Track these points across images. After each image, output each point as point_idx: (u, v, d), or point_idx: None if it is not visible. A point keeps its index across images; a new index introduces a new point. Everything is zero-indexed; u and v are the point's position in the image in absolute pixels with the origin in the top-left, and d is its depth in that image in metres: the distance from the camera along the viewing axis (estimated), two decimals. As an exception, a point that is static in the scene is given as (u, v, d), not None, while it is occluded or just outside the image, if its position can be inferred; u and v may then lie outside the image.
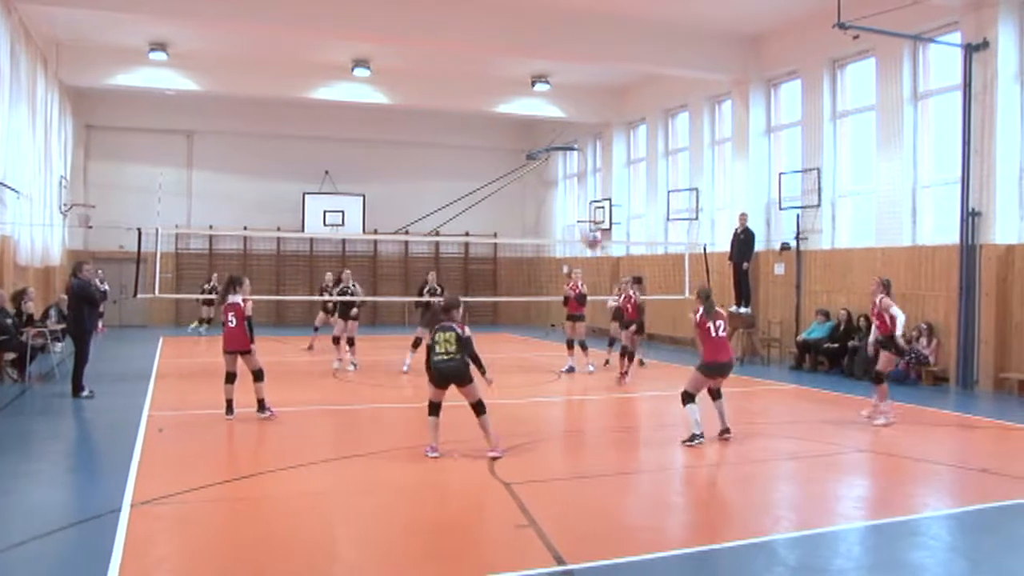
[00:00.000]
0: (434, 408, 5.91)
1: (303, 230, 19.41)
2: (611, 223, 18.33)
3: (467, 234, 20.71)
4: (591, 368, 10.69)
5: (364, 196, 20.35)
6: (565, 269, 13.61)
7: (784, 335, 13.10)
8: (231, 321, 7.46)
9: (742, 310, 13.31)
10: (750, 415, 7.94)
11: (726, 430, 6.50)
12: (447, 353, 5.78)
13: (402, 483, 5.30)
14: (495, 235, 21.34)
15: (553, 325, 19.98)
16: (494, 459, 5.84)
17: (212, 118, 19.47)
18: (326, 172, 20.70)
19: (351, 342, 11.00)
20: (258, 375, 7.55)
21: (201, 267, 19.50)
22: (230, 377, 7.51)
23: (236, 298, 7.48)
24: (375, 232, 20.22)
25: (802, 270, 12.93)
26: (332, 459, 5.95)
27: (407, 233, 19.35)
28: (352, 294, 11.31)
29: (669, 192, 16.69)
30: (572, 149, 20.37)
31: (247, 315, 7.50)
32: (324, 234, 19.00)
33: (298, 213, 19.98)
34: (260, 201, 20.12)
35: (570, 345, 11.19)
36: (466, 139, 21.47)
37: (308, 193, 20.08)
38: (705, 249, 14.10)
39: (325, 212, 19.86)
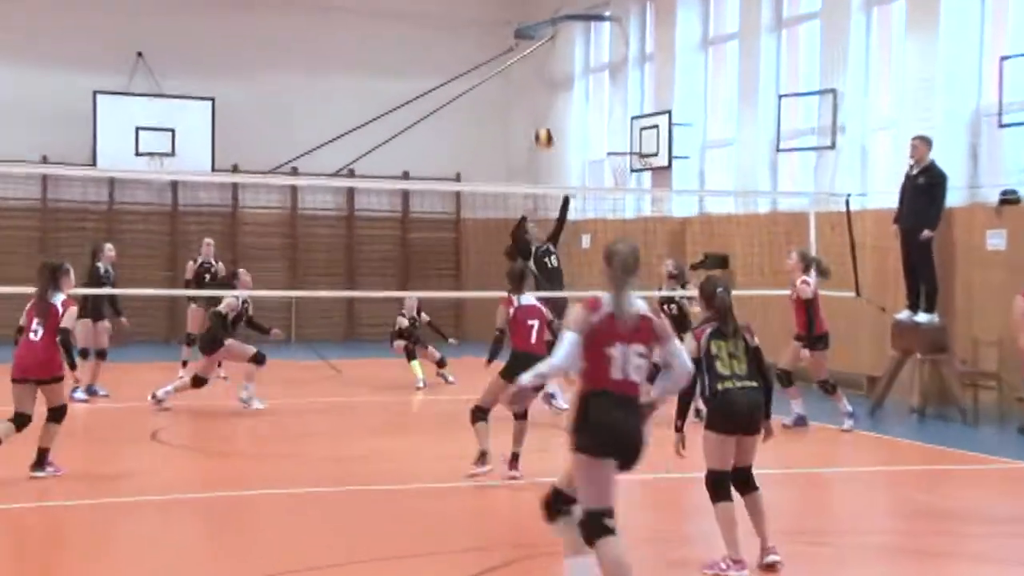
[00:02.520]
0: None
1: (94, 162, 19.63)
2: (670, 156, 18.67)
3: (406, 176, 21.45)
4: None
5: (213, 102, 20.66)
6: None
7: (1006, 365, 12.89)
8: (34, 332, 8.52)
9: (921, 318, 13.38)
10: (940, 518, 8.39)
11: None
12: None
13: None
14: (457, 177, 21.88)
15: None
16: None
17: None
18: (139, 55, 20.86)
19: (259, 359, 12.42)
20: (58, 414, 8.65)
21: None
22: (20, 420, 8.53)
23: (57, 298, 8.60)
24: (234, 170, 20.56)
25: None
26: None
27: (296, 173, 20.21)
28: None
29: (780, 99, 16.88)
30: (601, 18, 20.84)
31: (64, 326, 8.60)
32: (137, 171, 19.42)
33: (85, 130, 20.08)
34: (12, 106, 20.28)
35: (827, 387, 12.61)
36: (407, 3, 21.89)
37: (104, 93, 20.28)
38: (848, 204, 14.28)
39: (138, 130, 20.10)
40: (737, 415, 6.49)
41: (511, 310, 9.00)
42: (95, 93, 20.00)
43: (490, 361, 9.14)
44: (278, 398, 13.23)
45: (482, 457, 8.80)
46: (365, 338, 21.27)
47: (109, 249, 13.37)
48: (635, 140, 19.30)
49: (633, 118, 19.58)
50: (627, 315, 5.25)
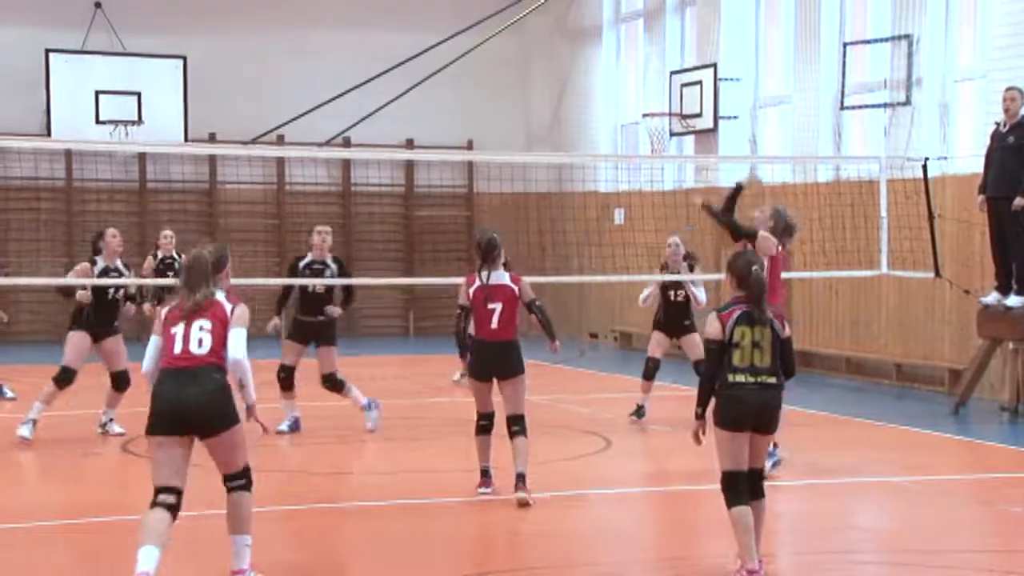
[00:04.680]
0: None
1: (48, 132, 19.82)
2: (716, 117, 18.78)
3: (409, 145, 21.65)
4: None
5: (185, 61, 20.86)
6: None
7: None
8: None
9: (1012, 301, 13.24)
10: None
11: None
12: None
13: None
14: (469, 146, 21.99)
15: (594, 336, 21.03)
16: None
17: None
18: (97, 6, 21.11)
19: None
20: None
21: None
22: None
23: None
24: (210, 139, 20.67)
25: None
26: None
27: (282, 143, 20.22)
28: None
29: (845, 47, 16.87)
30: (633, -42, 21.30)
31: None
32: (97, 141, 19.37)
33: (36, 95, 20.25)
34: None
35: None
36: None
37: (57, 51, 20.42)
38: (926, 169, 14.16)
39: (98, 94, 20.25)
40: (741, 412, 6.62)
41: (471, 290, 8.79)
42: (47, 52, 20.12)
43: (464, 355, 9.02)
44: (261, 402, 13.06)
45: (484, 476, 8.90)
46: (365, 334, 21.28)
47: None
48: (674, 99, 19.35)
49: (672, 73, 19.65)
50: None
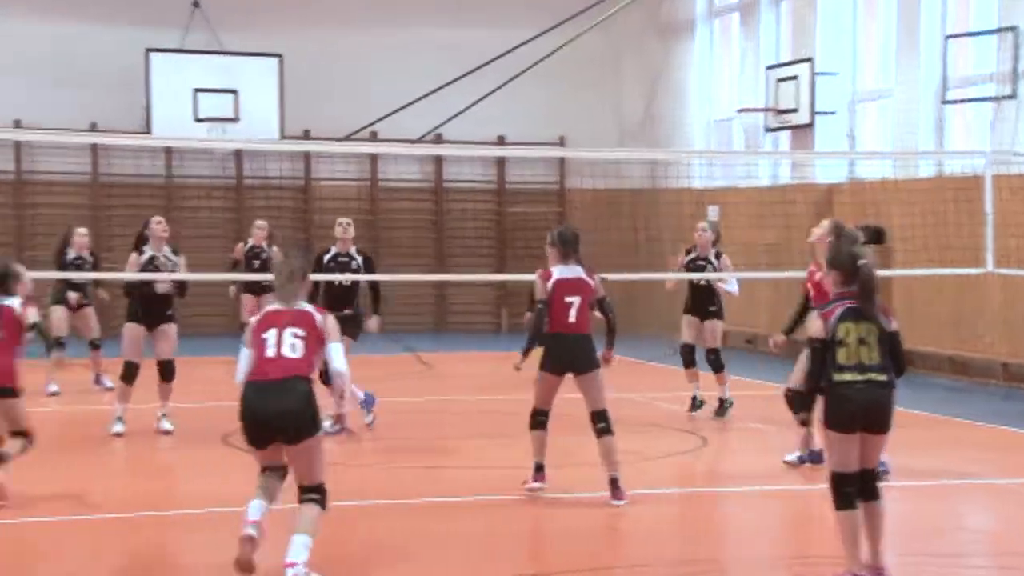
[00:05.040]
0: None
1: (148, 130, 19.98)
2: (813, 112, 18.58)
3: (501, 141, 21.60)
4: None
5: (280, 59, 21.03)
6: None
7: None
8: None
9: None
10: None
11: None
12: None
13: None
14: (561, 142, 22.01)
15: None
16: None
17: None
18: (195, 5, 21.25)
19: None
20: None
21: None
22: None
23: (10, 301, 8.67)
24: (305, 136, 20.90)
25: None
26: None
27: (375, 139, 20.32)
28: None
29: (947, 40, 16.60)
30: (728, -49, 21.15)
31: (30, 322, 8.67)
32: (196, 139, 19.69)
33: (137, 94, 20.44)
34: (53, 67, 20.59)
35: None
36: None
37: (158, 51, 20.56)
38: None
39: (196, 92, 20.43)
40: (850, 412, 6.50)
41: (549, 283, 8.71)
42: (148, 51, 20.38)
43: (528, 352, 8.72)
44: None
45: (538, 471, 8.83)
46: (458, 329, 21.35)
47: (81, 235, 14.15)
48: (770, 94, 19.22)
49: (767, 68, 19.50)
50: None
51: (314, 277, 11.88)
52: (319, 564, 6.44)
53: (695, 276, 12.74)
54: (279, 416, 6.45)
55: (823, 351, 6.51)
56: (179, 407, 11.74)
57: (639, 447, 10.60)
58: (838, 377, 6.49)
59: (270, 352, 6.53)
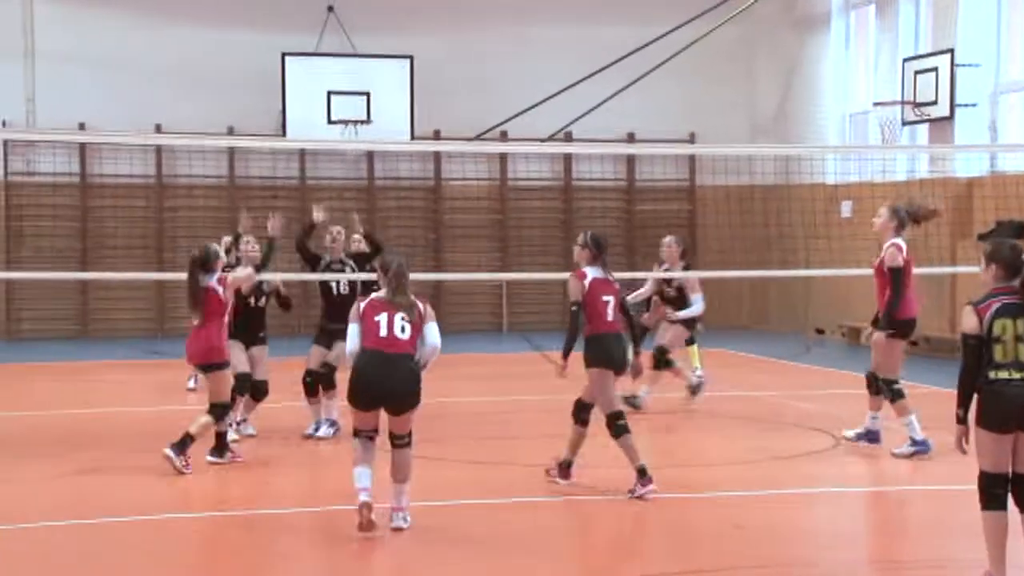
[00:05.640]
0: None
1: (283, 132, 20.33)
2: (953, 105, 18.38)
3: (631, 139, 21.68)
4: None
5: (411, 60, 21.22)
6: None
7: None
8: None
9: None
10: None
11: None
12: None
13: None
14: (692, 139, 22.00)
15: (820, 332, 20.97)
16: None
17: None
18: (330, 9, 21.44)
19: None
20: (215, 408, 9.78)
21: (62, 210, 20.89)
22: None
23: (211, 280, 9.76)
24: (435, 137, 21.04)
25: None
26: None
27: (505, 139, 20.43)
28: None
29: None
30: (863, -58, 20.86)
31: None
32: (329, 141, 19.95)
33: (273, 97, 20.76)
34: (192, 72, 20.95)
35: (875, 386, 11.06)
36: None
37: (293, 54, 20.87)
38: None
39: (330, 95, 20.66)
40: (1006, 411, 6.30)
41: (586, 283, 8.87)
42: (283, 55, 20.66)
43: (568, 354, 8.78)
44: (483, 395, 13.56)
45: (565, 467, 9.05)
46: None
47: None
48: (907, 87, 18.88)
49: (905, 60, 19.15)
50: None
51: (313, 277, 11.91)
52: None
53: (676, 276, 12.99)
54: (390, 391, 7.63)
55: (978, 348, 6.31)
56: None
57: (772, 445, 10.55)
58: (993, 375, 6.30)
59: (383, 332, 7.65)
